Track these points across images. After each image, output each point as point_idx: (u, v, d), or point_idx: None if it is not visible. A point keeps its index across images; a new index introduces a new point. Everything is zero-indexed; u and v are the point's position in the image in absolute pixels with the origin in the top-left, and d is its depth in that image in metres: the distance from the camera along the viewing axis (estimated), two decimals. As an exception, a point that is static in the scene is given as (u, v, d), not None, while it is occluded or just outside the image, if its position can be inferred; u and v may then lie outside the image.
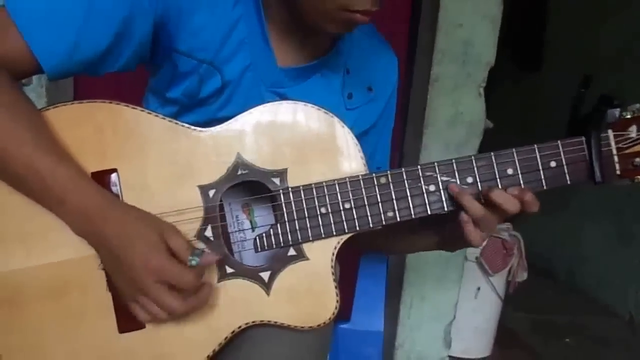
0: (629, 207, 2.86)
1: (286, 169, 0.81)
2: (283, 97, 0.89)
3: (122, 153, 0.78)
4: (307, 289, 0.81)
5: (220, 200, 0.81)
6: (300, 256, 0.81)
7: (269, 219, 0.86)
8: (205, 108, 0.88)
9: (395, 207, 0.81)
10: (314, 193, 0.81)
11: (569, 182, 0.81)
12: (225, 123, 0.81)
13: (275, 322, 0.81)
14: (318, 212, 0.81)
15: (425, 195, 0.81)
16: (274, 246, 0.81)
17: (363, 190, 0.81)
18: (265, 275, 0.81)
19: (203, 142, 0.80)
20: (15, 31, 0.71)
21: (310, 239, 0.81)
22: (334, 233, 0.81)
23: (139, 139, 0.79)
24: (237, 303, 0.80)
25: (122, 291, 0.74)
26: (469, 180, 0.81)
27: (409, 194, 0.81)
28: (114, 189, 0.77)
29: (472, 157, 0.81)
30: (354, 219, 0.81)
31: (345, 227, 0.81)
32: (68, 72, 0.76)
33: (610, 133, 0.80)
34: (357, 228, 0.81)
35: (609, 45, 3.05)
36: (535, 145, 0.81)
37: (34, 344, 0.77)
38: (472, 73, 1.78)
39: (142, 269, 0.69)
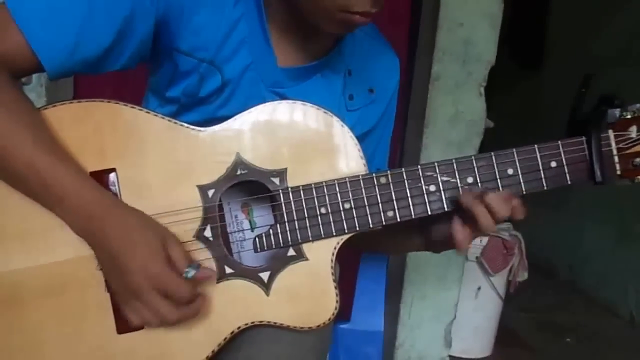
0: (629, 207, 2.86)
1: (285, 169, 0.81)
2: (283, 97, 0.88)
3: (121, 152, 0.78)
4: (306, 290, 0.81)
5: (220, 200, 0.81)
6: (300, 256, 0.81)
7: (269, 219, 0.86)
8: (205, 107, 0.88)
9: (396, 207, 0.81)
10: (314, 193, 0.80)
11: (569, 182, 0.81)
12: (225, 122, 0.81)
13: (275, 323, 0.81)
14: (318, 212, 0.80)
15: (425, 195, 0.81)
16: (274, 246, 0.81)
17: (363, 190, 0.81)
18: (264, 276, 0.80)
19: (202, 142, 0.80)
20: (16, 29, 0.70)
21: (310, 239, 0.81)
22: (334, 233, 0.81)
23: (138, 138, 0.79)
24: (237, 303, 0.80)
25: (117, 292, 0.74)
26: (469, 180, 0.81)
27: (409, 194, 0.81)
28: (112, 188, 0.77)
29: (473, 157, 0.81)
30: (354, 219, 0.81)
31: (345, 227, 0.81)
32: (69, 70, 0.76)
33: (611, 133, 0.80)
34: (357, 228, 0.81)
35: (609, 44, 3.05)
36: (536, 145, 0.81)
37: (32, 344, 0.77)
38: (473, 72, 1.78)
39: (141, 273, 0.69)
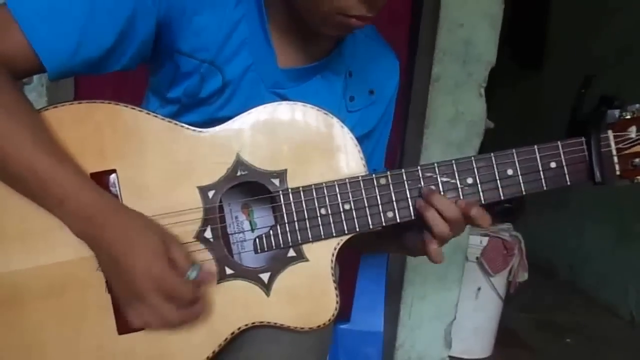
0: (630, 207, 2.86)
1: (286, 170, 0.81)
2: (283, 97, 0.88)
3: (121, 153, 0.78)
4: (306, 290, 0.81)
5: (220, 201, 0.81)
6: (300, 257, 0.81)
7: (269, 220, 0.86)
8: (205, 108, 0.88)
9: (395, 208, 0.81)
10: (314, 194, 0.81)
11: (568, 183, 0.81)
12: (225, 123, 0.81)
13: (275, 324, 0.81)
14: (318, 213, 0.81)
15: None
16: (274, 247, 0.81)
17: (363, 191, 0.81)
18: (265, 277, 0.80)
19: (203, 143, 0.80)
20: (17, 30, 0.70)
21: (310, 240, 0.81)
22: (334, 234, 0.81)
23: (138, 139, 0.79)
24: (237, 304, 0.80)
25: (118, 295, 0.74)
26: (469, 181, 0.81)
27: (408, 195, 0.81)
28: (112, 189, 0.77)
29: (472, 158, 0.81)
30: (354, 219, 0.81)
31: (345, 228, 0.81)
32: (70, 71, 0.76)
33: (610, 134, 0.80)
34: (357, 229, 0.81)
35: (609, 44, 3.05)
36: (535, 146, 0.81)
37: (33, 344, 0.77)
38: (473, 72, 1.78)
39: (143, 276, 0.69)
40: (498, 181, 0.81)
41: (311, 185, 0.80)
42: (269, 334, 0.82)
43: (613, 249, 3.07)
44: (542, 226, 3.41)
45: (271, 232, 0.81)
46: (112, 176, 0.77)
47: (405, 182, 0.81)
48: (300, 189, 0.80)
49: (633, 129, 0.79)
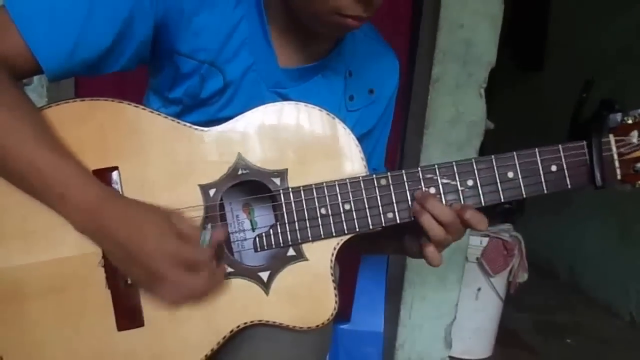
0: (630, 208, 2.86)
1: (286, 169, 0.81)
2: (284, 97, 0.89)
3: (123, 151, 0.79)
4: (306, 290, 0.81)
5: (221, 200, 0.81)
6: (300, 256, 0.81)
7: (269, 219, 0.86)
8: (206, 108, 0.88)
9: (395, 209, 0.81)
10: (314, 194, 0.81)
11: (569, 187, 0.81)
12: (227, 123, 0.82)
13: (274, 322, 0.81)
14: (318, 213, 0.81)
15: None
16: (274, 246, 0.81)
17: (363, 191, 0.81)
18: (264, 275, 0.81)
19: (205, 141, 0.81)
20: (15, 32, 0.71)
21: (310, 239, 0.81)
22: (334, 234, 0.81)
23: (140, 137, 0.80)
24: (236, 302, 0.80)
25: (138, 283, 0.73)
26: (470, 183, 0.81)
27: (408, 196, 0.81)
28: (115, 187, 0.77)
29: (473, 160, 0.81)
30: (354, 220, 0.81)
31: (345, 228, 0.81)
32: (68, 72, 0.76)
33: (612, 138, 0.80)
34: (357, 229, 0.81)
35: (610, 45, 3.05)
36: (536, 149, 0.81)
37: (33, 341, 0.77)
38: (473, 73, 1.78)
39: (157, 255, 0.68)
40: (499, 184, 0.81)
41: (312, 185, 0.81)
42: (269, 333, 0.83)
43: (613, 249, 3.07)
44: (542, 227, 3.41)
45: (271, 231, 0.81)
46: (114, 173, 0.78)
47: (406, 183, 0.81)
48: (301, 188, 0.81)
49: (635, 133, 0.79)
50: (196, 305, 0.74)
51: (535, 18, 3.72)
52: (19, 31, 0.71)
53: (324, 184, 0.81)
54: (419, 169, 0.81)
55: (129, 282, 0.77)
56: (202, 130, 0.81)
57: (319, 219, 0.81)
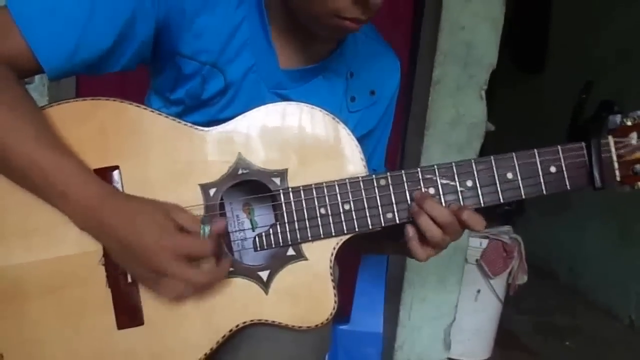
0: (630, 209, 2.85)
1: (286, 169, 0.81)
2: (285, 98, 0.89)
3: (124, 150, 0.79)
4: (305, 289, 0.82)
5: (221, 199, 0.81)
6: (299, 256, 0.82)
7: (269, 219, 0.86)
8: (207, 109, 0.88)
9: (395, 210, 0.81)
10: (314, 193, 0.81)
11: (568, 188, 0.81)
12: (228, 123, 0.82)
13: (274, 322, 0.81)
14: (317, 213, 0.81)
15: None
16: (273, 245, 0.81)
17: (363, 191, 0.81)
18: (264, 275, 0.81)
19: (205, 141, 0.81)
20: (17, 32, 0.71)
21: (310, 239, 0.81)
22: (333, 234, 0.81)
23: (141, 136, 0.80)
24: (236, 302, 0.80)
25: (141, 278, 0.74)
26: (469, 183, 0.81)
27: (408, 197, 0.81)
28: (115, 186, 0.77)
29: (472, 161, 0.81)
30: (353, 220, 0.81)
31: (345, 228, 0.81)
32: (68, 72, 0.77)
33: (611, 139, 0.80)
34: (356, 229, 0.82)
35: (611, 47, 3.05)
36: (536, 150, 0.81)
37: (33, 339, 0.77)
38: (474, 75, 1.78)
39: (157, 250, 0.69)
40: (498, 185, 0.81)
41: (311, 185, 0.81)
42: (268, 333, 0.83)
43: (613, 251, 3.07)
44: (542, 228, 3.41)
45: (271, 230, 0.81)
46: (115, 173, 0.78)
47: (405, 183, 0.81)
48: (301, 188, 0.81)
49: (634, 135, 0.79)
50: (198, 300, 0.74)
51: (536, 20, 3.72)
52: (21, 31, 0.71)
53: (324, 184, 0.81)
54: (419, 169, 0.81)
55: (130, 280, 0.78)
56: (202, 130, 0.81)
57: (319, 218, 0.81)
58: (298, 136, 0.82)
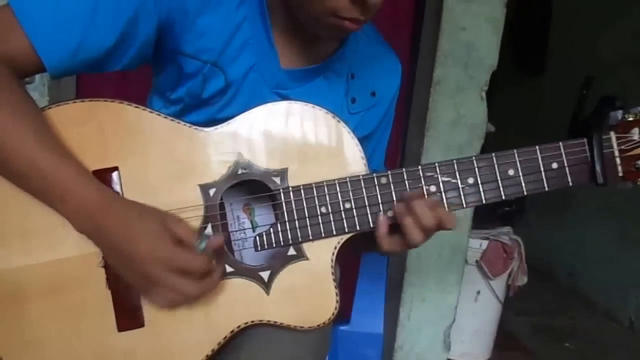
0: (630, 212, 2.85)
1: (286, 169, 0.81)
2: (286, 98, 0.88)
3: (123, 151, 0.79)
4: (306, 289, 0.81)
5: (221, 199, 0.81)
6: (300, 256, 0.81)
7: (270, 218, 0.86)
8: (207, 108, 0.88)
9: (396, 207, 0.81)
10: (314, 192, 0.81)
11: (570, 184, 0.81)
12: (227, 122, 0.82)
13: (275, 322, 0.81)
14: (318, 212, 0.81)
15: (425, 195, 0.81)
16: (274, 245, 0.81)
17: (364, 190, 0.81)
18: (265, 275, 0.80)
19: (205, 141, 0.81)
20: (19, 30, 0.71)
21: (310, 238, 0.81)
22: (334, 233, 0.81)
23: (140, 137, 0.80)
24: (237, 302, 0.80)
25: (134, 284, 0.74)
26: (470, 180, 0.81)
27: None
28: (115, 187, 0.77)
29: (474, 158, 0.81)
30: (354, 218, 0.81)
31: (346, 226, 0.81)
32: (70, 71, 0.77)
33: (613, 135, 0.80)
34: (358, 228, 0.81)
35: (612, 48, 3.05)
36: (537, 147, 0.81)
37: (33, 341, 0.77)
38: (475, 76, 1.78)
39: (151, 260, 0.70)
40: (499, 181, 0.81)
41: (312, 184, 0.81)
42: (269, 333, 0.82)
43: (613, 253, 3.07)
44: (542, 230, 3.41)
45: (271, 230, 0.81)
46: (115, 174, 0.78)
47: (406, 181, 0.81)
48: (301, 187, 0.80)
49: (636, 130, 0.79)
50: (198, 301, 0.74)
51: (537, 21, 3.72)
52: (23, 29, 0.71)
53: (324, 182, 0.81)
54: (419, 167, 0.81)
55: None
56: (202, 130, 0.81)
57: (319, 217, 0.81)
58: (298, 135, 0.82)
